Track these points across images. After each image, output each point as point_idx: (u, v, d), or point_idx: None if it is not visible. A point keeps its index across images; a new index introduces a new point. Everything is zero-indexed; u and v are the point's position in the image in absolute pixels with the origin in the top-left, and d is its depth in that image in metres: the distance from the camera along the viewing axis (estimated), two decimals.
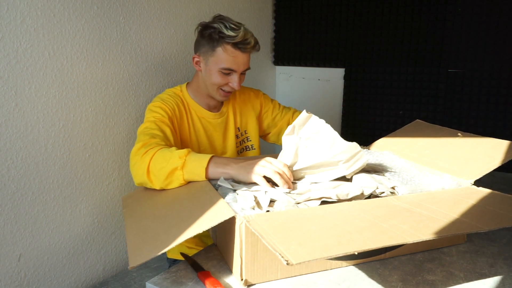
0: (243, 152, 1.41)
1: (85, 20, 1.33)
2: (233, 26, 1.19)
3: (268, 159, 0.95)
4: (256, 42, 1.24)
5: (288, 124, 1.39)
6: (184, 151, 1.00)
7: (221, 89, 1.26)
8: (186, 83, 1.37)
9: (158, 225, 0.80)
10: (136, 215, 0.90)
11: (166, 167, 0.98)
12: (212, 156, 0.99)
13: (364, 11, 2.04)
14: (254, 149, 1.43)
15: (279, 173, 0.91)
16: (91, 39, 1.36)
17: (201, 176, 0.97)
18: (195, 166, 0.97)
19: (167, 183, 0.99)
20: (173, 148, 1.04)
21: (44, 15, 1.22)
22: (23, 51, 1.18)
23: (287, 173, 0.93)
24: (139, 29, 1.52)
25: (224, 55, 1.20)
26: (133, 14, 1.49)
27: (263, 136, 1.50)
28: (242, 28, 1.20)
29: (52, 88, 1.27)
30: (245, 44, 1.20)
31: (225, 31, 1.18)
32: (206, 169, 0.97)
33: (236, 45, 1.19)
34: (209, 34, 1.21)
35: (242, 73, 1.27)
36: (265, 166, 0.93)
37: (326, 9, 2.15)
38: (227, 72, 1.22)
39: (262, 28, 2.27)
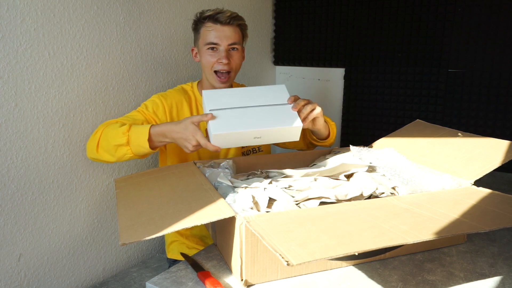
0: (250, 155, 1.40)
1: (85, 20, 1.33)
2: (215, 9, 1.25)
3: (196, 138, 1.02)
4: (235, 14, 1.27)
5: None
6: (126, 127, 1.08)
7: (215, 71, 1.27)
8: (197, 81, 1.39)
9: (153, 211, 0.80)
10: (130, 199, 0.89)
11: (112, 142, 1.08)
12: (150, 127, 1.07)
13: (364, 11, 2.03)
14: (262, 150, 1.42)
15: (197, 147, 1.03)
16: (91, 39, 1.36)
17: (147, 148, 1.07)
18: (139, 140, 1.06)
19: (119, 157, 1.10)
20: (118, 124, 1.11)
21: (44, 15, 1.22)
22: (23, 51, 1.18)
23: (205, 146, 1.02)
24: (139, 29, 1.52)
25: (206, 32, 1.25)
26: (133, 14, 1.49)
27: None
28: (223, 8, 1.26)
29: (52, 88, 1.27)
30: (220, 14, 1.24)
31: (205, 13, 1.26)
32: (149, 141, 1.06)
33: (212, 18, 1.24)
34: (196, 22, 1.30)
35: (233, 49, 1.27)
36: (186, 147, 1.04)
37: (326, 9, 2.15)
38: (212, 46, 1.25)
39: (262, 28, 2.27)
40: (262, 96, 1.08)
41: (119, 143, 1.07)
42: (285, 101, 1.08)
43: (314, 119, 1.11)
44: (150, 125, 1.08)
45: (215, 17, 1.23)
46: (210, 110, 1.03)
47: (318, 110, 1.10)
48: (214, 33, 1.24)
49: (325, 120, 1.24)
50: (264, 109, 1.05)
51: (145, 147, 1.06)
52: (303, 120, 1.06)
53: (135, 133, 1.07)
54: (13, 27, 1.15)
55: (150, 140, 1.06)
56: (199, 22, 1.28)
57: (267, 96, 1.08)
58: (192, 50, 1.36)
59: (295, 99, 1.07)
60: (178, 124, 1.05)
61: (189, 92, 1.34)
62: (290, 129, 1.04)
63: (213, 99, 1.06)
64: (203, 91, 1.09)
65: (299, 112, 1.06)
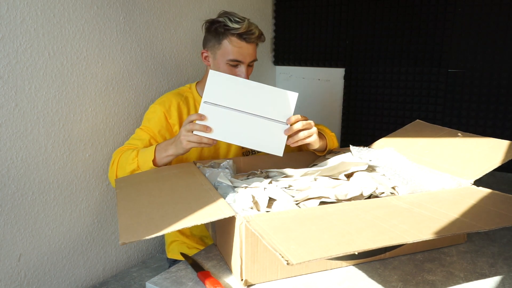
0: (249, 155, 1.40)
1: (85, 20, 1.33)
2: (237, 19, 1.22)
3: (183, 129, 1.03)
4: (261, 33, 1.26)
5: None
6: (135, 152, 1.12)
7: None
8: (196, 81, 1.38)
9: (154, 211, 0.80)
10: (130, 198, 0.89)
11: (127, 170, 1.12)
12: (155, 147, 1.10)
13: (364, 11, 2.04)
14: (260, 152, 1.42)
15: (198, 142, 1.02)
16: (91, 39, 1.36)
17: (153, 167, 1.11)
18: (146, 163, 1.09)
19: None
20: (129, 150, 1.15)
21: (44, 15, 1.22)
22: (23, 51, 1.18)
23: (198, 126, 1.01)
24: (139, 29, 1.52)
25: (230, 47, 1.22)
26: (133, 14, 1.49)
27: None
28: (246, 20, 1.22)
29: (52, 88, 1.27)
30: (249, 34, 1.22)
31: (230, 24, 1.21)
32: (154, 161, 1.09)
33: (241, 36, 1.21)
34: (215, 28, 1.24)
35: (250, 65, 1.27)
36: (185, 135, 1.03)
37: (326, 9, 2.15)
38: (235, 64, 1.23)
39: (262, 28, 2.24)
40: (266, 103, 1.03)
41: (132, 169, 1.11)
42: (285, 118, 1.04)
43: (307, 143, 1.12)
44: (154, 146, 1.11)
45: (243, 36, 1.21)
46: (204, 102, 1.01)
47: (312, 138, 1.09)
48: (239, 50, 1.22)
49: (323, 134, 1.23)
50: (258, 123, 1.02)
51: (151, 167, 1.10)
52: (292, 144, 1.06)
53: (142, 158, 1.11)
54: (13, 27, 1.15)
55: (154, 160, 1.10)
56: (222, 32, 1.22)
57: (271, 104, 1.03)
58: (202, 53, 1.30)
59: (294, 121, 1.05)
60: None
61: (186, 93, 1.33)
62: (270, 153, 1.04)
63: (216, 87, 1.02)
64: (211, 71, 1.03)
65: (290, 135, 1.05)
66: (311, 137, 1.08)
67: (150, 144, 1.21)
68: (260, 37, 1.26)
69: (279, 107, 1.03)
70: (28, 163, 1.23)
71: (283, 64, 2.37)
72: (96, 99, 1.40)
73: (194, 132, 1.02)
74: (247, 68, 1.26)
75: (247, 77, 1.25)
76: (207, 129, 1.01)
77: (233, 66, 1.24)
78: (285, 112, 1.04)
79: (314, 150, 1.23)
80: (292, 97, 1.04)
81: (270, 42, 2.36)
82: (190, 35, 1.73)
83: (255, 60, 1.28)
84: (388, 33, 1.98)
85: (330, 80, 2.23)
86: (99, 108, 1.41)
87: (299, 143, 1.08)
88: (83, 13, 1.32)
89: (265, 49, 2.33)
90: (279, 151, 1.04)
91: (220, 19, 1.23)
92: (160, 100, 1.30)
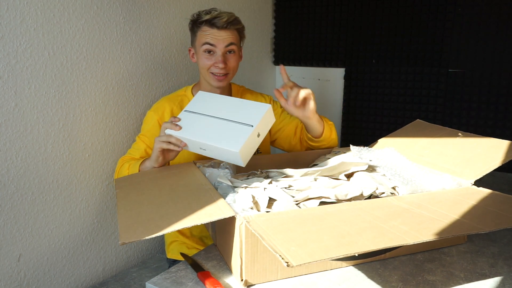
0: None
1: (85, 20, 1.33)
2: (212, 11, 1.26)
3: (160, 132, 1.09)
4: (233, 18, 1.26)
5: (296, 130, 1.38)
6: (127, 165, 1.19)
7: (211, 72, 1.28)
8: (193, 84, 1.40)
9: (154, 211, 0.80)
10: (130, 198, 0.90)
11: None
12: (141, 163, 1.16)
13: (364, 11, 2.03)
14: (260, 153, 1.42)
15: (167, 141, 1.07)
16: (91, 39, 1.36)
17: None
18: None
19: None
20: (127, 162, 1.22)
21: (44, 15, 1.22)
22: (23, 51, 1.18)
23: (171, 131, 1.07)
24: (139, 29, 1.52)
25: (203, 35, 1.26)
26: (133, 14, 1.49)
27: (271, 141, 1.47)
28: (219, 11, 1.26)
29: (52, 88, 1.27)
30: (218, 19, 1.24)
31: (202, 15, 1.26)
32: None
33: (209, 22, 1.24)
34: (193, 23, 1.30)
35: (230, 52, 1.28)
36: (158, 137, 1.08)
37: (326, 9, 2.15)
38: (210, 49, 1.26)
39: (262, 28, 2.26)
40: (238, 111, 1.08)
41: None
42: (251, 122, 1.04)
43: (304, 102, 1.14)
44: (140, 161, 1.17)
45: (211, 22, 1.23)
46: (184, 111, 1.12)
47: (308, 90, 1.14)
48: (210, 37, 1.25)
49: (321, 118, 1.25)
50: (225, 125, 1.06)
51: None
52: (292, 104, 1.13)
53: (131, 172, 1.17)
54: (13, 27, 1.15)
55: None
56: (195, 25, 1.28)
57: (242, 112, 1.07)
58: (189, 50, 1.36)
59: (291, 83, 1.14)
60: None
61: (181, 97, 1.36)
62: (228, 151, 1.00)
63: (199, 102, 1.14)
64: (200, 92, 1.16)
65: (288, 96, 1.14)
66: (311, 99, 1.14)
67: (146, 153, 1.26)
68: (232, 21, 1.26)
69: (248, 114, 1.07)
70: (27, 163, 1.23)
71: (283, 64, 2.37)
72: (96, 99, 1.40)
73: (166, 131, 1.07)
74: (226, 55, 1.27)
75: (223, 62, 1.25)
76: (176, 126, 1.06)
77: (209, 53, 1.27)
78: (252, 118, 1.06)
79: (311, 134, 1.24)
80: (263, 107, 1.08)
81: (270, 42, 2.36)
82: (189, 35, 1.72)
83: (233, 44, 1.27)
84: (388, 33, 1.98)
85: (330, 80, 2.23)
86: (99, 108, 1.41)
87: (298, 100, 1.12)
88: (83, 13, 1.32)
89: (265, 49, 2.33)
90: (236, 146, 0.99)
91: (196, 13, 1.28)
92: (155, 107, 1.34)
